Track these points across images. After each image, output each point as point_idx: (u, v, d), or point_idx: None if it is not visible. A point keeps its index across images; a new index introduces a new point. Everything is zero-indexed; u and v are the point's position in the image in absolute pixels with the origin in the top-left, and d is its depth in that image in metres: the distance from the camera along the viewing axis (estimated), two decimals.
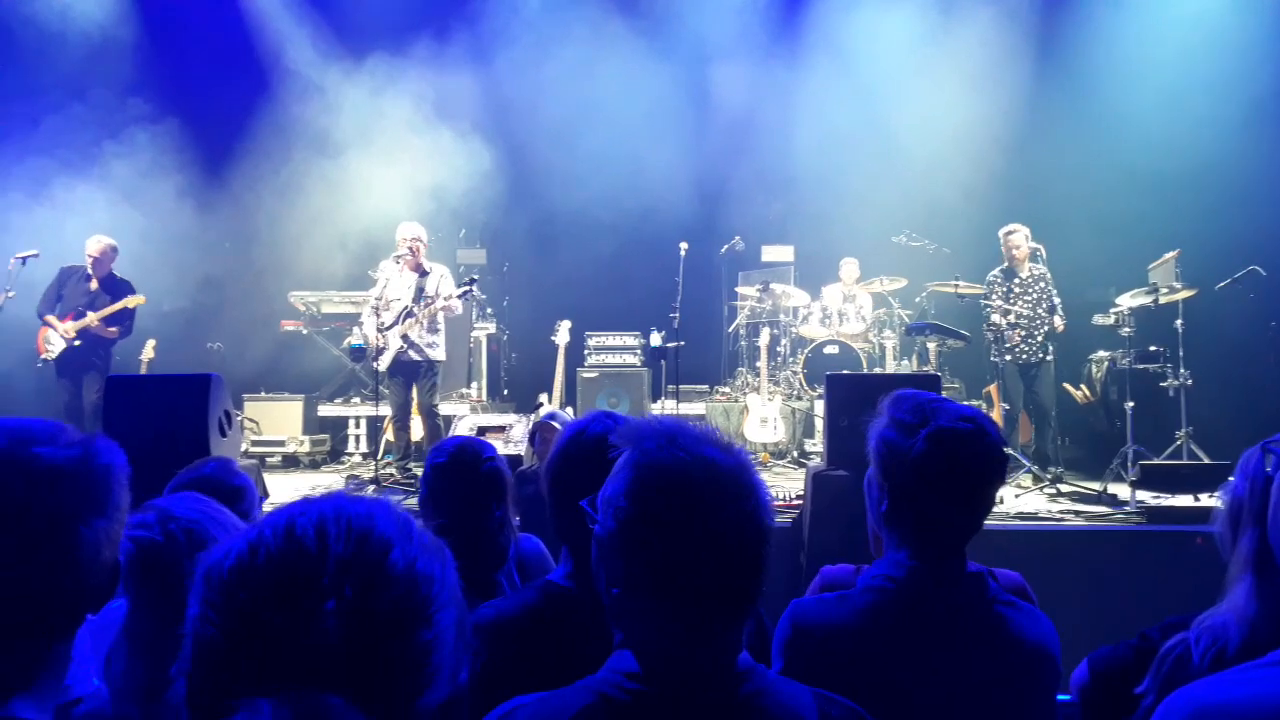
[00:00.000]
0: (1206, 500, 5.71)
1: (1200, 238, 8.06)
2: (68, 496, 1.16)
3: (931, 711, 1.68)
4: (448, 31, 10.66)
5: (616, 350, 9.92)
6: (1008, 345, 7.71)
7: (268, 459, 8.75)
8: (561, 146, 10.42)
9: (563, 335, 8.72)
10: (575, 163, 10.25)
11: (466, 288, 7.62)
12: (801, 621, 1.74)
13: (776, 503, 5.94)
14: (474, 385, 10.18)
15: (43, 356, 7.94)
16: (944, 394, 2.47)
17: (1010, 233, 7.87)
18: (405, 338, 7.46)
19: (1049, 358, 7.77)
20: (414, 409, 7.84)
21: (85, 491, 1.18)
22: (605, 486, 1.27)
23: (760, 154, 10.89)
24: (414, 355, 7.52)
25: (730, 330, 10.61)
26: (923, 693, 1.67)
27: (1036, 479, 7.07)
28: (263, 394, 9.40)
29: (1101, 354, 8.74)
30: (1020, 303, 7.73)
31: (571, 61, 10.61)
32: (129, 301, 8.07)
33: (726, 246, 10.43)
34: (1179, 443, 6.91)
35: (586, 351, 9.88)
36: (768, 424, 8.85)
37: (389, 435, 8.13)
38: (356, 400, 9.83)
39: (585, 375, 9.67)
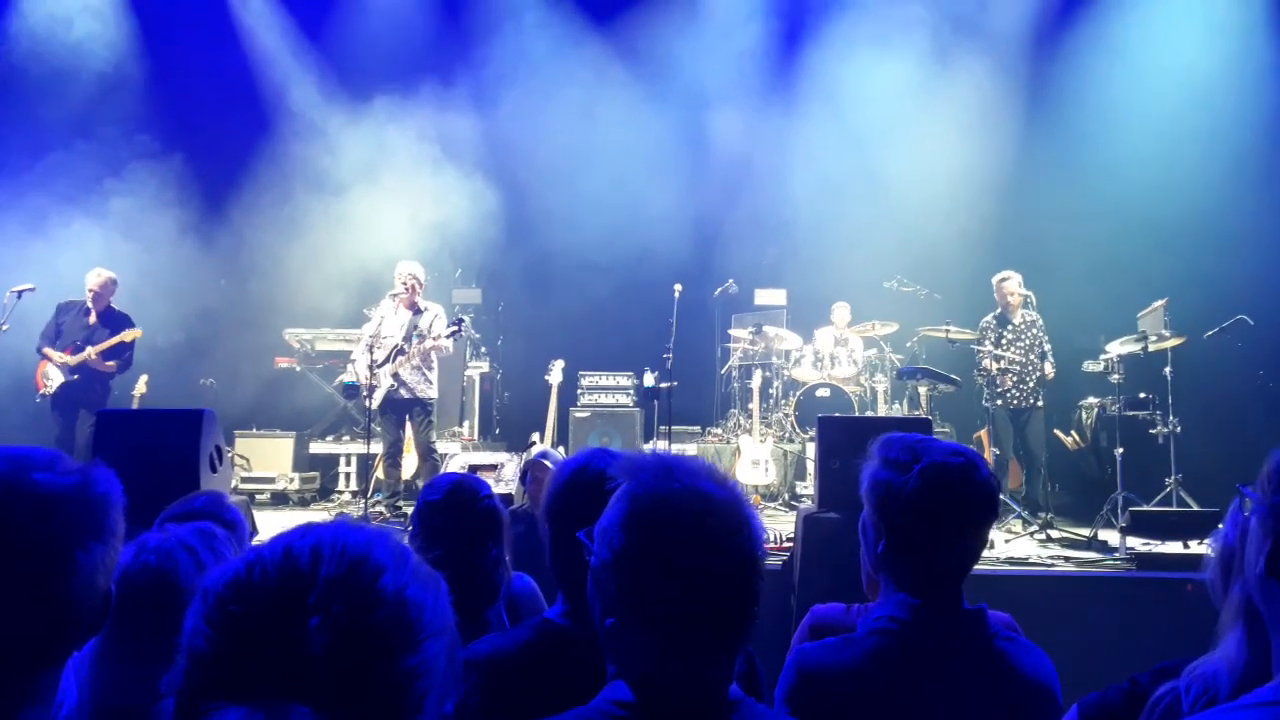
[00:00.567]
0: (1196, 547, 5.72)
1: (1188, 286, 8.16)
2: (65, 523, 1.17)
3: None
4: (449, 74, 10.82)
5: (609, 390, 9.94)
6: (1000, 390, 7.75)
7: (257, 496, 8.70)
8: (559, 188, 10.53)
9: (556, 375, 8.73)
10: (572, 204, 10.36)
11: (455, 328, 7.66)
12: (807, 668, 1.74)
13: (767, 545, 5.92)
14: (466, 423, 10.17)
15: (41, 392, 7.93)
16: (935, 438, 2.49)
17: (1004, 279, 7.95)
18: (396, 376, 7.47)
19: (1040, 404, 7.81)
20: (407, 447, 7.83)
21: (83, 518, 1.19)
22: (601, 518, 1.28)
23: (755, 198, 11.02)
24: (404, 394, 7.53)
25: (723, 372, 10.65)
26: None
27: (1026, 524, 7.07)
28: (254, 430, 9.37)
29: (1091, 400, 8.79)
30: (1012, 349, 7.79)
31: (571, 105, 10.78)
32: (126, 335, 8.06)
33: (720, 289, 10.50)
34: (1169, 489, 6.93)
35: (579, 391, 9.90)
36: (759, 466, 8.84)
37: (379, 473, 8.11)
38: (348, 438, 9.81)
39: (578, 415, 9.67)
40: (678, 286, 8.98)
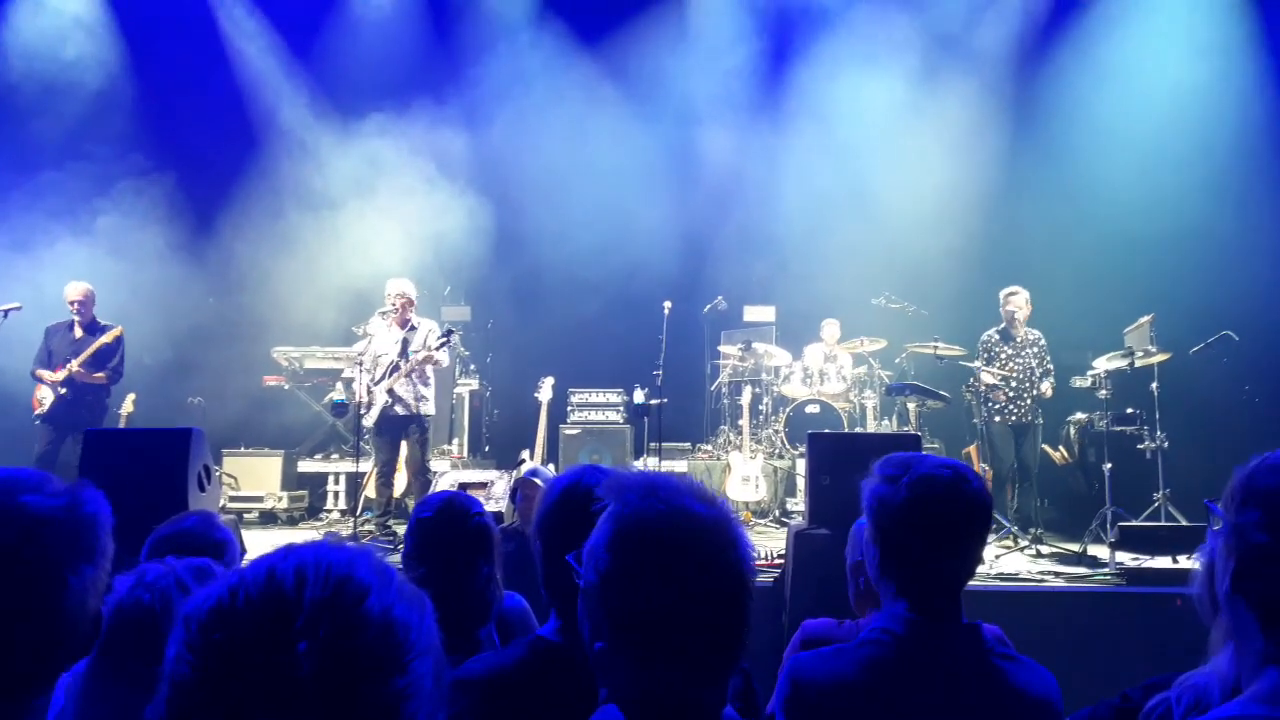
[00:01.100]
0: (1185, 562, 5.74)
1: (1174, 302, 8.21)
2: (55, 545, 1.17)
3: None
4: (441, 92, 10.86)
5: (599, 407, 9.93)
6: (997, 406, 7.77)
7: (245, 515, 8.65)
8: (548, 205, 10.56)
9: (546, 392, 8.72)
10: (562, 221, 10.39)
11: (445, 338, 7.64)
12: (801, 677, 1.75)
13: (759, 562, 5.92)
14: (456, 441, 10.15)
15: (36, 412, 7.89)
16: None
17: (1012, 294, 7.94)
18: (391, 392, 7.45)
19: (1039, 421, 7.85)
20: (399, 465, 7.80)
21: (72, 540, 1.19)
22: (589, 540, 1.27)
23: (744, 216, 11.08)
24: (400, 410, 7.51)
25: (713, 389, 10.66)
26: None
27: (1017, 540, 7.08)
28: (242, 449, 9.32)
29: (1079, 416, 8.82)
30: (1012, 364, 7.81)
31: (562, 123, 10.84)
32: (106, 337, 7.98)
33: (709, 306, 10.53)
34: (1157, 504, 6.97)
35: (569, 408, 9.89)
36: (749, 482, 8.84)
37: (369, 491, 8.07)
38: (336, 456, 9.77)
39: (568, 432, 9.66)
40: (667, 303, 9.00)
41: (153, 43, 10.64)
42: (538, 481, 4.76)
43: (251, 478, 9.04)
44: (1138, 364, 7.26)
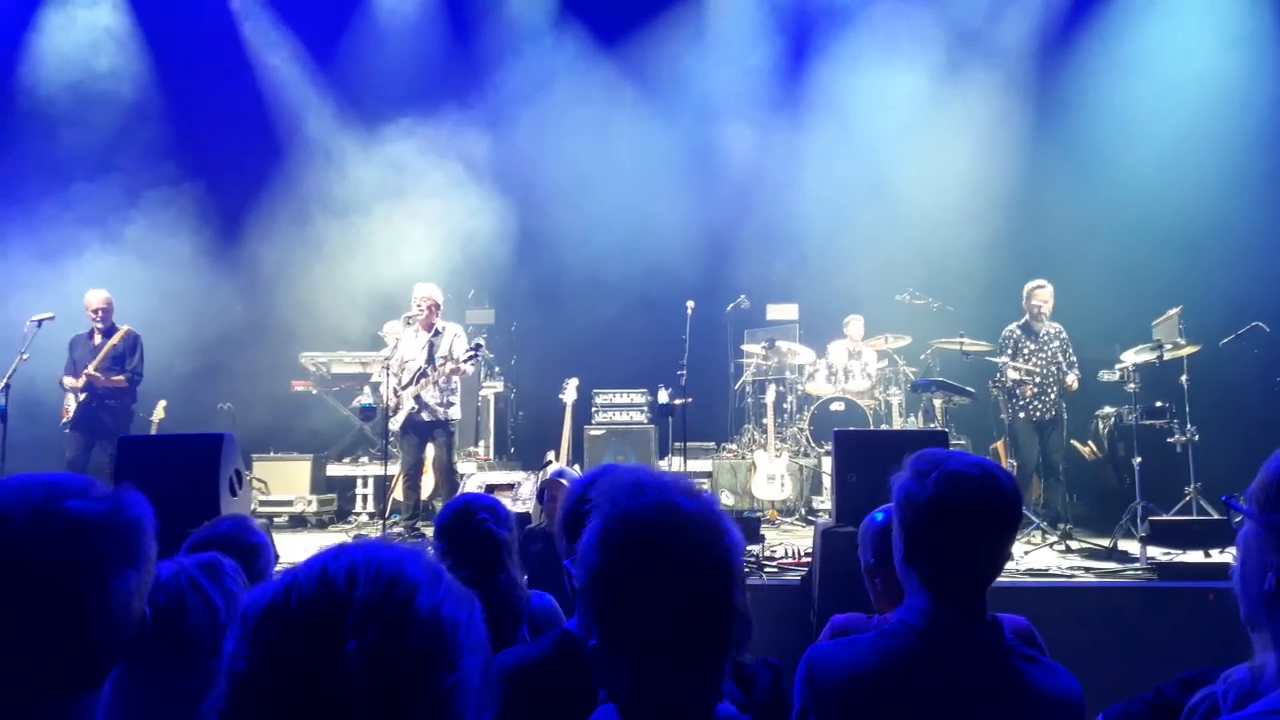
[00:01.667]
0: (1217, 556, 5.69)
1: (1203, 294, 8.12)
2: (100, 549, 1.20)
3: None
4: (464, 97, 10.92)
5: (624, 408, 9.95)
6: (1022, 402, 7.72)
7: (275, 519, 8.74)
8: (570, 207, 10.59)
9: (570, 393, 8.75)
10: (583, 223, 10.40)
11: (473, 352, 7.68)
12: (818, 666, 1.76)
13: (785, 560, 5.92)
14: (481, 443, 10.20)
15: (64, 420, 8.04)
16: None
17: (1037, 288, 7.88)
18: (417, 398, 7.51)
19: (1063, 415, 7.79)
20: (426, 468, 7.86)
21: (116, 544, 1.22)
22: (580, 541, 1.28)
23: (765, 213, 11.05)
24: (426, 415, 7.57)
25: (737, 388, 10.65)
26: None
27: (1045, 535, 7.04)
28: (271, 454, 9.42)
29: (1108, 410, 8.74)
30: (1035, 359, 7.76)
31: (583, 125, 10.86)
32: (114, 339, 8.10)
33: (732, 305, 10.52)
34: (1188, 498, 6.89)
35: (594, 409, 9.92)
36: (775, 481, 8.83)
37: (396, 494, 8.13)
38: (365, 460, 9.85)
39: (593, 433, 9.68)
40: (690, 303, 9.00)
41: (178, 53, 10.79)
42: (564, 482, 4.78)
43: (281, 482, 9.13)
44: (1166, 357, 7.19)
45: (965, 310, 9.47)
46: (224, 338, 10.50)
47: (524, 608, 2.58)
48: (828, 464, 7.49)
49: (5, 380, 7.60)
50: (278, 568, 3.90)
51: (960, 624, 1.76)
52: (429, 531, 7.01)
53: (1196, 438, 7.07)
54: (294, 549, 6.79)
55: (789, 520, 8.79)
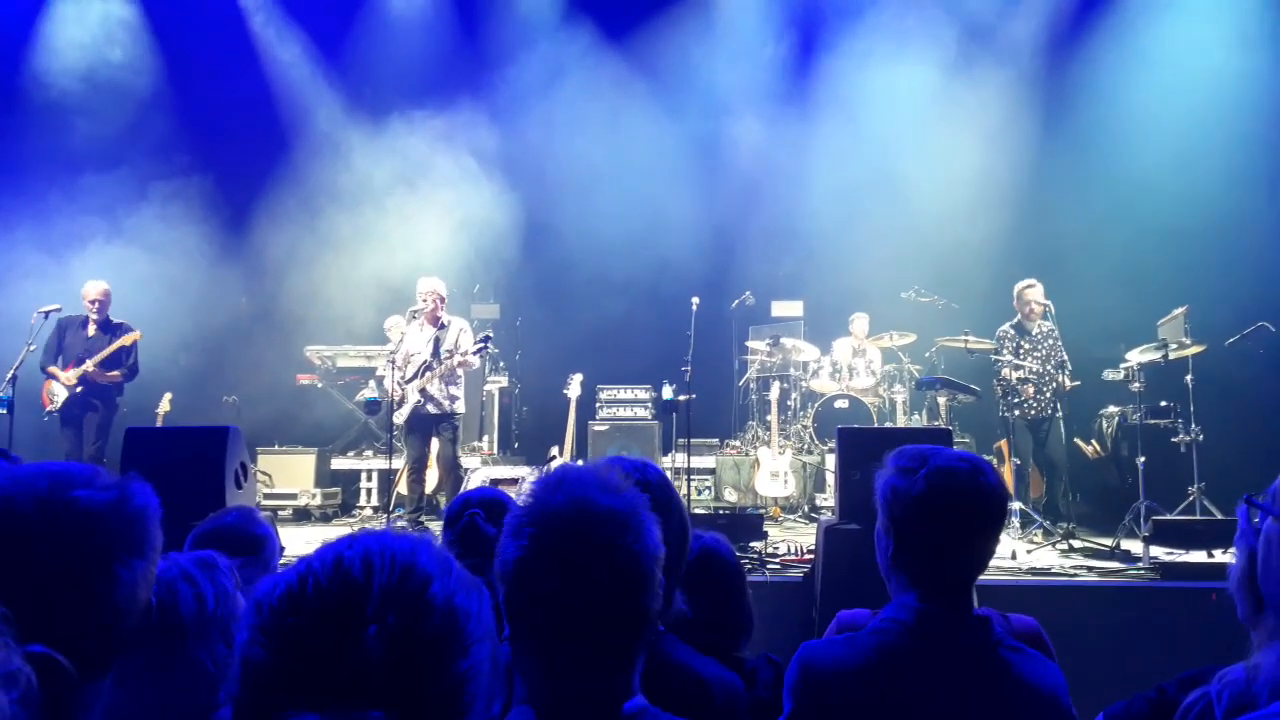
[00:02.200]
0: (1220, 556, 5.68)
1: (1209, 293, 8.10)
2: (106, 538, 1.20)
3: None
4: (473, 92, 10.93)
5: (628, 403, 9.96)
6: (1019, 401, 7.71)
7: (280, 511, 8.76)
8: (576, 202, 10.59)
9: (574, 388, 8.76)
10: (589, 218, 10.41)
11: (482, 344, 7.69)
12: (809, 663, 1.77)
13: (788, 557, 5.93)
14: (486, 438, 10.22)
15: (48, 409, 7.99)
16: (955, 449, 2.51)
17: (1028, 287, 7.88)
18: (423, 392, 7.52)
19: (1059, 414, 7.78)
20: (430, 462, 7.87)
21: (123, 533, 1.22)
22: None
23: (771, 210, 11.04)
24: (431, 409, 7.58)
25: (741, 384, 10.65)
26: None
27: (1048, 534, 7.03)
28: (276, 447, 9.44)
29: (1112, 409, 8.73)
30: (1030, 358, 7.75)
31: (591, 120, 10.87)
32: (125, 340, 8.09)
33: (737, 301, 10.51)
34: (1191, 498, 6.89)
35: (598, 404, 9.93)
36: (778, 478, 8.83)
37: (401, 488, 8.15)
38: (369, 453, 9.87)
39: (596, 428, 9.69)
40: (695, 299, 9.01)
41: (188, 45, 10.81)
42: None
43: (285, 475, 9.16)
44: (1171, 356, 7.18)
45: (970, 308, 9.46)
46: (230, 330, 10.53)
47: None
48: (831, 461, 7.49)
49: (11, 372, 7.62)
50: (282, 561, 3.92)
51: (949, 619, 1.78)
52: (433, 526, 7.03)
53: (1201, 438, 7.06)
54: (299, 542, 6.83)
55: (792, 517, 8.80)
